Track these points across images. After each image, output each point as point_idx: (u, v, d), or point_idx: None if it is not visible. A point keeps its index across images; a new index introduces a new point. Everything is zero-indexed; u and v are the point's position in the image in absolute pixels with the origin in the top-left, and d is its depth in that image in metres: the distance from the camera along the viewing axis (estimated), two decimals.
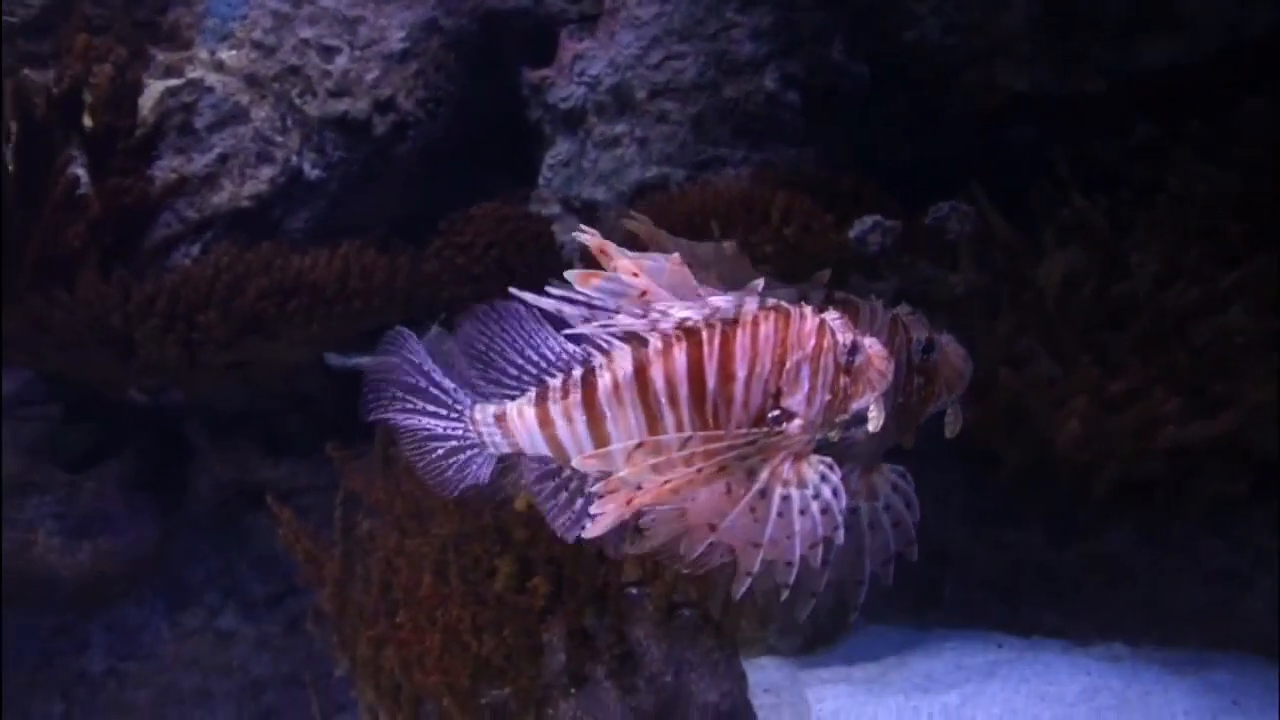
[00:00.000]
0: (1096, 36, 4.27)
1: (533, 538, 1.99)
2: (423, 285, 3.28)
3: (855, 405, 1.50)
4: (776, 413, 1.47)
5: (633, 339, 1.49)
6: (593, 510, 1.45)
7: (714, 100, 3.56)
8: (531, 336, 1.58)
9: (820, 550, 1.44)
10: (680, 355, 1.46)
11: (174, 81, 3.79)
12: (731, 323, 1.45)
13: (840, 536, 1.44)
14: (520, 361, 1.59)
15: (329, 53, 3.72)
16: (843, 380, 1.49)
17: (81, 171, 3.27)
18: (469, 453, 1.64)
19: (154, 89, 3.78)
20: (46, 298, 2.92)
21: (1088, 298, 3.41)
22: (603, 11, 3.65)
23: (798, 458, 1.47)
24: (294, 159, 3.74)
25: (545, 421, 1.54)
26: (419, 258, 3.44)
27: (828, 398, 1.48)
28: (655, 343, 1.47)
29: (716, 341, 1.46)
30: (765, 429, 1.46)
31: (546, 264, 3.32)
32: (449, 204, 3.76)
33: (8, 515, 3.15)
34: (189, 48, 3.90)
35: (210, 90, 3.73)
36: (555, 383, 1.54)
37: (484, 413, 1.60)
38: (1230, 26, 4.26)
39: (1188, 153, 3.75)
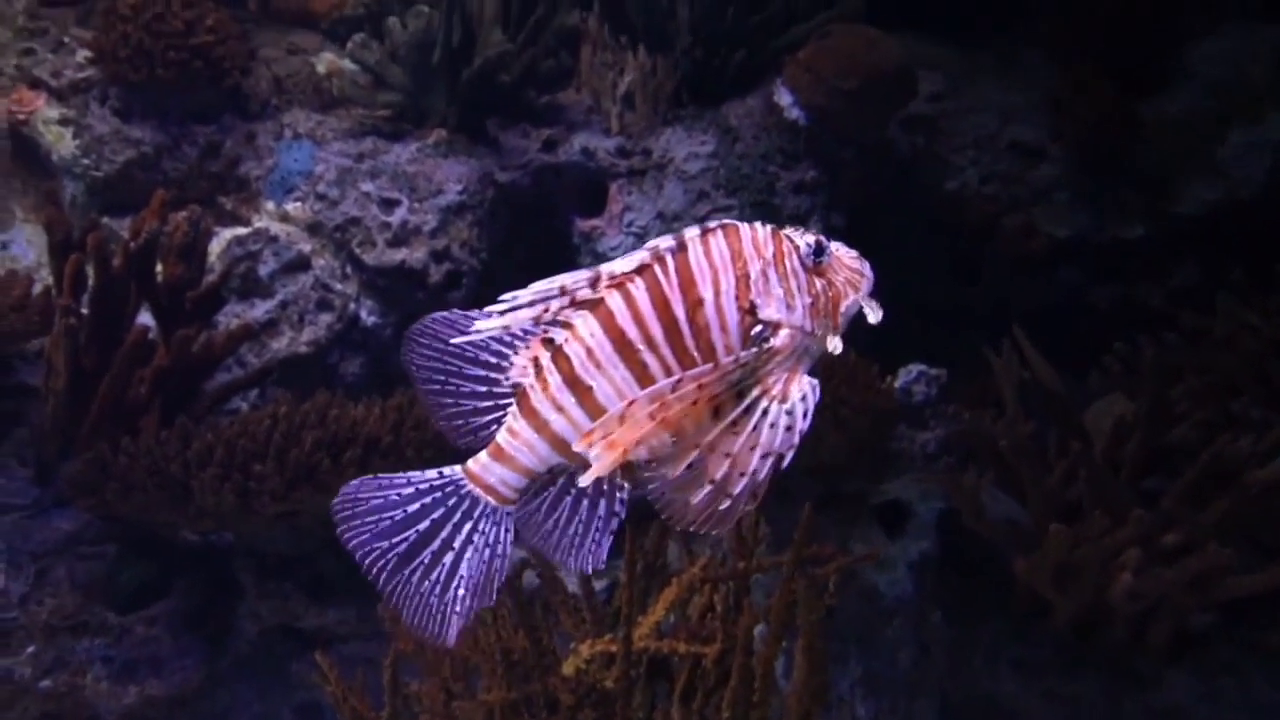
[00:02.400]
0: (1135, 184, 4.35)
1: (579, 703, 1.98)
2: None
3: (845, 308, 1.43)
4: (759, 328, 1.40)
5: (586, 305, 1.40)
6: (591, 456, 1.35)
7: None
8: (479, 338, 1.45)
9: (769, 465, 1.37)
10: (641, 294, 1.39)
11: (241, 230, 3.96)
12: (679, 248, 1.39)
13: (791, 457, 1.37)
14: (481, 368, 1.46)
15: (389, 205, 3.89)
16: (818, 283, 1.42)
17: (149, 318, 3.41)
18: (487, 525, 1.48)
19: (223, 237, 3.95)
20: (112, 445, 3.01)
21: (1137, 446, 3.39)
22: (651, 165, 3.79)
23: (792, 373, 1.40)
24: (352, 306, 3.87)
25: (540, 424, 1.43)
26: None
27: (807, 301, 1.41)
28: (612, 295, 1.39)
29: (672, 268, 1.39)
30: (755, 350, 1.38)
31: None
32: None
33: (59, 657, 3.19)
34: (257, 198, 4.09)
35: (275, 239, 3.89)
36: (529, 380, 1.44)
37: (478, 461, 1.48)
38: (1270, 173, 4.33)
39: (1231, 299, 3.77)
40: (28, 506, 3.26)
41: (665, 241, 1.39)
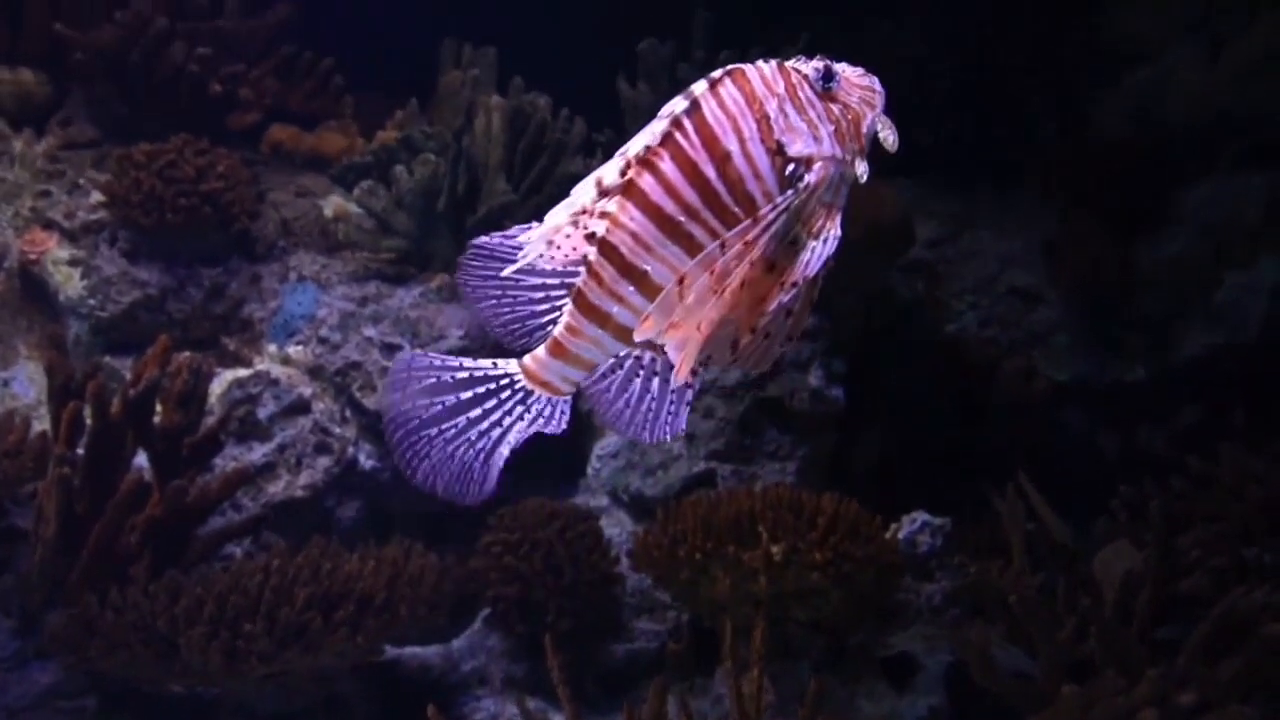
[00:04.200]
0: (1134, 327, 4.38)
1: None
2: (468, 583, 3.28)
3: (865, 128, 1.38)
4: (792, 167, 1.35)
5: (618, 191, 1.36)
6: (669, 351, 1.32)
7: (759, 397, 3.65)
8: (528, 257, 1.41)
9: (794, 294, 1.34)
10: (668, 164, 1.34)
11: (243, 372, 3.97)
12: (692, 108, 1.34)
13: (803, 292, 1.35)
14: (535, 275, 1.44)
15: (390, 350, 3.91)
16: (834, 108, 1.37)
17: (144, 463, 3.38)
18: (535, 408, 1.48)
19: (224, 378, 3.96)
20: (99, 596, 2.95)
21: (1148, 597, 3.32)
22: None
23: (832, 208, 1.36)
24: (350, 449, 3.85)
25: (602, 318, 1.40)
26: (468, 553, 3.45)
27: (830, 129, 1.36)
28: (641, 175, 1.34)
29: (691, 130, 1.34)
30: (792, 192, 1.34)
31: (595, 564, 3.31)
32: (498, 493, 3.80)
33: None
34: (259, 340, 4.11)
35: (275, 382, 3.90)
36: (581, 279, 1.40)
37: (535, 358, 1.46)
38: (1266, 316, 4.36)
39: (1235, 446, 3.74)
40: (7, 659, 3.18)
41: (678, 103, 1.35)
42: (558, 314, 1.46)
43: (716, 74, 1.36)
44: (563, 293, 1.45)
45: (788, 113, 1.35)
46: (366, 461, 3.90)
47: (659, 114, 1.35)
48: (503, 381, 1.50)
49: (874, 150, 1.42)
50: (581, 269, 1.40)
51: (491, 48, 4.59)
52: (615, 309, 1.40)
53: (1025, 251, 4.44)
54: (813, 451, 3.70)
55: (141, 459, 3.38)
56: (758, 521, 2.96)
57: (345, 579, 2.85)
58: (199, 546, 3.34)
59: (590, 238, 1.39)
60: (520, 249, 1.42)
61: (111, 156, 4.37)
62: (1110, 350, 4.36)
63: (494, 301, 1.50)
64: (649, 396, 1.45)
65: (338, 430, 3.87)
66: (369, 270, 4.21)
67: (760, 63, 1.38)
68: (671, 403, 1.45)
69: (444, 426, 1.51)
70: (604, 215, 1.37)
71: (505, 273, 1.44)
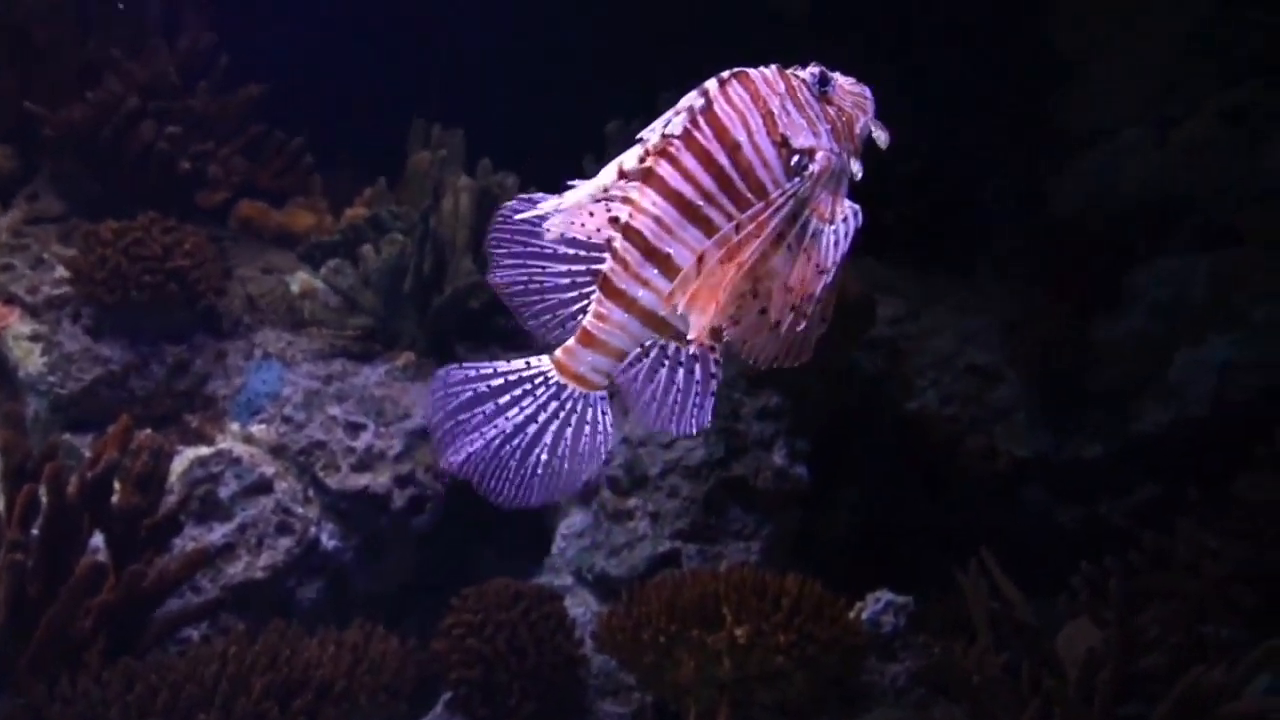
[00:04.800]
0: (1091, 404, 4.46)
1: None
2: (430, 666, 3.23)
3: (859, 129, 1.49)
4: (796, 158, 1.46)
5: (638, 177, 1.45)
6: (682, 312, 1.40)
7: (723, 476, 3.67)
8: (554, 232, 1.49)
9: (824, 281, 1.43)
10: (684, 153, 1.44)
11: (204, 450, 3.93)
12: (705, 103, 1.45)
13: (835, 273, 1.43)
14: (562, 263, 1.51)
15: (354, 429, 3.89)
16: (830, 110, 1.49)
17: (100, 543, 3.33)
18: (579, 411, 1.53)
19: (185, 456, 3.91)
20: (50, 684, 2.88)
21: (1110, 676, 3.33)
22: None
23: (835, 195, 1.47)
24: (312, 529, 3.81)
25: (628, 303, 1.46)
26: (430, 633, 3.41)
27: (827, 126, 1.48)
28: (659, 163, 1.44)
29: (704, 123, 1.45)
30: (799, 179, 1.45)
31: (559, 646, 3.29)
32: (462, 571, 3.78)
33: None
34: (223, 418, 4.09)
35: (237, 461, 3.87)
36: (607, 264, 1.47)
37: (566, 350, 1.51)
38: (1216, 395, 4.46)
39: (1190, 523, 3.79)
40: None
41: (693, 99, 1.46)
42: (586, 303, 1.52)
43: (725, 75, 1.48)
44: (590, 279, 1.51)
45: (789, 110, 1.47)
46: (329, 541, 3.87)
47: (674, 108, 1.46)
48: (537, 379, 1.54)
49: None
50: (606, 256, 1.48)
51: (460, 129, 4.67)
52: (641, 292, 1.46)
53: (984, 330, 4.53)
54: (778, 530, 3.71)
55: (99, 539, 3.33)
56: (722, 603, 2.96)
57: (304, 666, 2.81)
58: (155, 630, 3.27)
59: (614, 222, 1.47)
60: (544, 219, 1.49)
61: (78, 232, 4.37)
62: (1069, 427, 4.43)
63: (521, 287, 1.55)
64: (675, 388, 1.50)
65: (300, 510, 3.83)
66: (335, 348, 4.21)
67: (763, 68, 1.50)
68: (697, 394, 1.49)
69: (489, 435, 1.55)
70: (626, 201, 1.46)
71: (546, 229, 1.49)
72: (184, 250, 4.18)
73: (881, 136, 1.52)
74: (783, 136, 1.46)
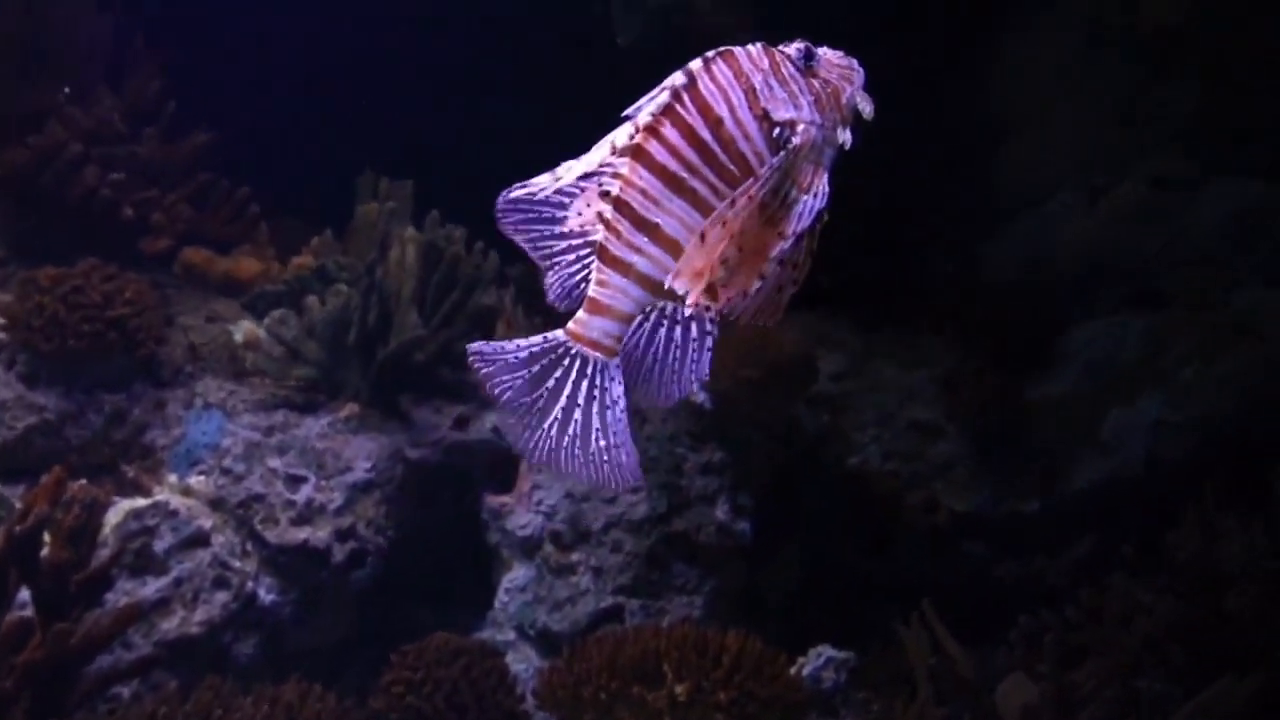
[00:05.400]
0: (1027, 461, 4.55)
1: None
2: None
3: (845, 99, 1.55)
4: (778, 130, 1.52)
5: (626, 153, 1.53)
6: (676, 287, 1.49)
7: (666, 532, 3.68)
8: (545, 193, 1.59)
9: (792, 244, 1.50)
10: (669, 130, 1.52)
11: (140, 502, 3.86)
12: (690, 83, 1.52)
13: (792, 243, 1.51)
14: (565, 239, 1.59)
15: (295, 482, 3.85)
16: (815, 83, 1.55)
17: (26, 599, 3.24)
18: (591, 371, 1.59)
19: (120, 507, 3.83)
20: None
21: None
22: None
23: (818, 167, 1.53)
24: (250, 584, 3.75)
25: (625, 268, 1.55)
26: (369, 690, 3.37)
27: (810, 99, 1.53)
28: (646, 140, 1.52)
29: (688, 100, 1.52)
30: (782, 153, 1.50)
31: (499, 703, 3.26)
32: (403, 625, 3.74)
33: None
34: (160, 469, 4.02)
35: (174, 514, 3.80)
36: (601, 234, 1.56)
37: (577, 320, 1.58)
38: (1149, 452, 4.58)
39: (1124, 577, 3.87)
40: None
41: (678, 79, 1.54)
42: (588, 272, 1.61)
43: (709, 54, 1.55)
44: (589, 251, 1.60)
45: (772, 85, 1.54)
46: (266, 596, 3.80)
47: (660, 86, 1.54)
48: (559, 350, 1.62)
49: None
50: (600, 228, 1.58)
51: (409, 180, 4.68)
52: (635, 259, 1.56)
53: (924, 386, 4.62)
54: (721, 585, 3.73)
55: (26, 594, 3.24)
56: (663, 660, 2.96)
57: None
58: (84, 688, 3.18)
59: (605, 196, 1.56)
60: (541, 198, 1.59)
61: (15, 279, 4.30)
62: (1006, 482, 4.51)
63: (543, 255, 1.63)
64: (674, 345, 1.59)
65: (237, 564, 3.77)
66: (277, 398, 4.17)
67: (748, 46, 1.57)
68: (694, 350, 1.57)
69: (535, 401, 1.62)
70: (616, 176, 1.55)
71: (538, 211, 1.59)
72: (124, 298, 4.13)
73: (866, 109, 1.59)
74: (764, 111, 1.53)
